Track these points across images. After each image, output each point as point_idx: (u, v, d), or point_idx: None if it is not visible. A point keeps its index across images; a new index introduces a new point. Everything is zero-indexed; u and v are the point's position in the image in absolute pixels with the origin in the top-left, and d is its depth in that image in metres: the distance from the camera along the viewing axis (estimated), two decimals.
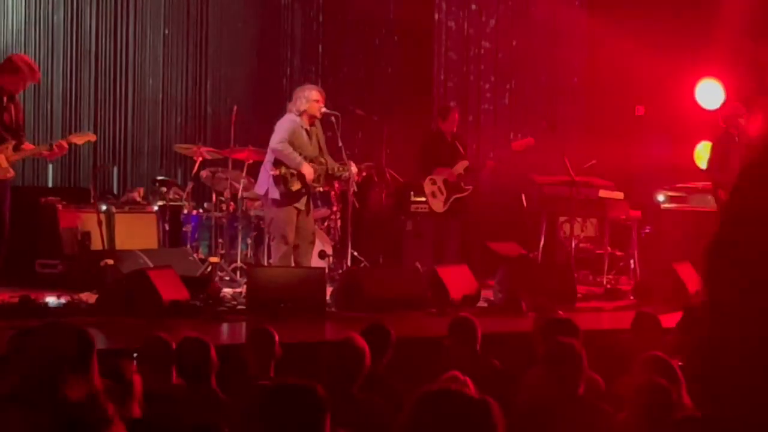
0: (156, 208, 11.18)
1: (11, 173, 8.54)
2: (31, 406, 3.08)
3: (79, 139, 8.97)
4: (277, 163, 9.48)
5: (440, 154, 11.01)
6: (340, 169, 9.75)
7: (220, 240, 10.72)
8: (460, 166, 10.94)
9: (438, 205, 10.89)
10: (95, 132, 9.83)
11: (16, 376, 3.21)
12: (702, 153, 12.70)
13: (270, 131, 9.70)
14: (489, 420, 2.67)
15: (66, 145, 8.82)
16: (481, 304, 9.39)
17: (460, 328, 6.18)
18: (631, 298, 10.03)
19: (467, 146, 11.46)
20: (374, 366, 5.56)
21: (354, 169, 9.90)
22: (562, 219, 11.86)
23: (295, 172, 9.45)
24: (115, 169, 12.79)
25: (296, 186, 9.48)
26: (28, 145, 8.77)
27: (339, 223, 11.04)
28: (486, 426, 2.66)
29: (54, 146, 8.77)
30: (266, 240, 10.32)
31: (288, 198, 9.46)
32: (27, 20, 12.30)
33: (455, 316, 6.49)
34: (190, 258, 10.48)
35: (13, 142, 8.52)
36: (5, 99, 8.54)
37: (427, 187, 10.93)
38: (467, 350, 6.04)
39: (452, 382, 4.18)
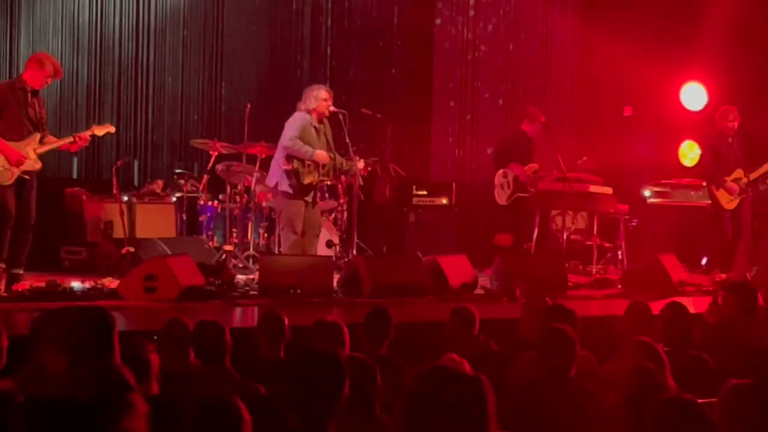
0: (174, 199, 11.22)
1: (39, 165, 8.49)
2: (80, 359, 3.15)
3: (99, 130, 8.89)
4: (289, 158, 9.42)
5: (516, 152, 11.04)
6: (347, 163, 9.71)
7: (234, 229, 10.72)
8: (530, 168, 11.00)
9: (502, 198, 10.98)
10: (117, 127, 9.77)
11: (51, 350, 3.20)
12: (686, 151, 12.67)
13: (281, 128, 9.65)
14: (481, 395, 2.72)
15: (88, 137, 8.75)
16: (478, 291, 9.34)
17: (460, 317, 6.14)
18: (619, 286, 9.97)
19: (538, 152, 11.41)
20: (376, 347, 5.57)
21: (361, 164, 9.86)
22: (554, 212, 11.84)
23: (307, 165, 9.38)
24: (136, 163, 12.79)
25: (307, 180, 9.43)
26: (51, 138, 8.70)
27: (345, 214, 11.02)
28: (478, 400, 2.71)
29: (76, 138, 8.70)
30: (277, 230, 10.31)
31: (298, 191, 9.41)
32: (54, 22, 12.29)
33: (456, 305, 6.42)
34: (206, 246, 10.51)
35: (39, 135, 8.47)
36: (29, 95, 8.47)
37: (498, 178, 11.03)
38: (465, 336, 6.00)
39: (449, 363, 4.21)
